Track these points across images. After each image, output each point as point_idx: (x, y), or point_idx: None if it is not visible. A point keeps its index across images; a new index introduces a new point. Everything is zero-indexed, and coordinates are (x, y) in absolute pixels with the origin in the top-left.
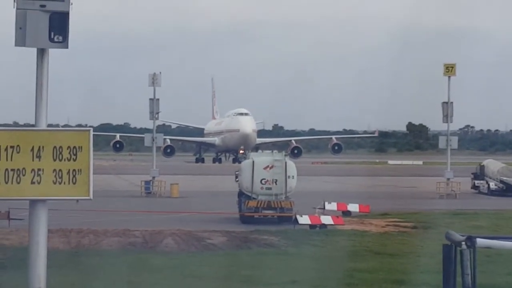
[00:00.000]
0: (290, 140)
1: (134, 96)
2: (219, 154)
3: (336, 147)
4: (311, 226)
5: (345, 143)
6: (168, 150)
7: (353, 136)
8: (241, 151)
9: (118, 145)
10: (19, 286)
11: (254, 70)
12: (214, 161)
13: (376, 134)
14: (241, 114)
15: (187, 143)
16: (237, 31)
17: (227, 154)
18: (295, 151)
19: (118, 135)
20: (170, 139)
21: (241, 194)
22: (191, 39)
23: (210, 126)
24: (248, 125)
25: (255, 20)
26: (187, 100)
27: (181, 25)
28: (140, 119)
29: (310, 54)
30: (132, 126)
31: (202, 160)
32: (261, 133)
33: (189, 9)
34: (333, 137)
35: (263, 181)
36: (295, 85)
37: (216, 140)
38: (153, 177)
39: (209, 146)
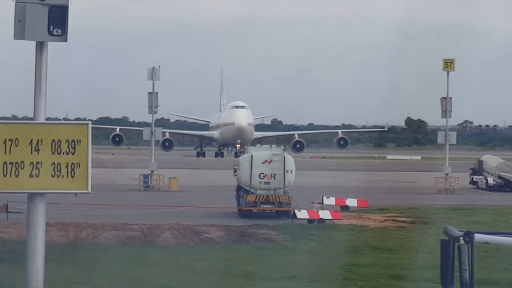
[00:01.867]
0: (293, 135)
1: (133, 90)
2: (221, 148)
3: (342, 142)
4: (309, 221)
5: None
6: (167, 144)
7: (362, 130)
8: (237, 145)
9: (117, 138)
10: (17, 279)
11: (253, 65)
12: (216, 155)
13: (385, 129)
14: (237, 107)
15: (187, 137)
16: (236, 27)
17: (230, 148)
18: (297, 146)
19: (118, 128)
20: (170, 133)
21: (239, 188)
22: (191, 34)
23: (213, 119)
24: (243, 118)
25: (253, 16)
26: (188, 94)
27: (181, 20)
28: (139, 113)
29: (308, 50)
30: (130, 120)
31: (203, 154)
32: (259, 127)
33: (189, 5)
34: (339, 131)
35: (261, 176)
36: (293, 80)
37: (215, 133)
38: (152, 171)
39: (210, 140)
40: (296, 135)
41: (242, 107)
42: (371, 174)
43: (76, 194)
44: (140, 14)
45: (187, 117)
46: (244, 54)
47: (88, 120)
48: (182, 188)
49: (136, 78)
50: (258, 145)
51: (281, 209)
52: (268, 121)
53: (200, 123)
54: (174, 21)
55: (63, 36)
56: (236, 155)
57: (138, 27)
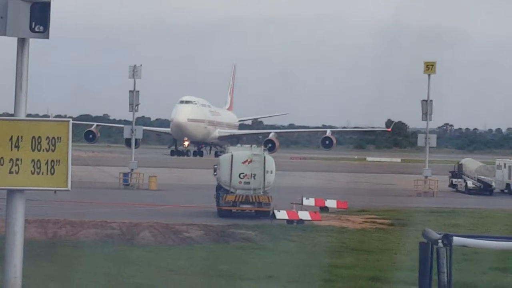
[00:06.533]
0: (269, 133)
1: (116, 88)
2: (200, 147)
3: (327, 142)
4: (289, 221)
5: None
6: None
7: (361, 130)
8: (184, 143)
9: (91, 135)
10: None
11: (237, 65)
12: (195, 154)
13: (389, 129)
14: (182, 102)
15: (164, 135)
16: (217, 27)
17: (211, 148)
18: (269, 145)
19: (95, 124)
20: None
21: (219, 188)
22: (172, 34)
23: None
24: (182, 114)
25: (237, 17)
26: (176, 94)
27: (167, 20)
28: (120, 111)
29: (290, 51)
30: (111, 117)
31: (178, 153)
32: (241, 126)
33: (171, 5)
34: (328, 130)
35: (241, 175)
36: (274, 81)
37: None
38: (132, 169)
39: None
40: (273, 134)
41: (187, 102)
42: (351, 175)
43: (55, 191)
44: (124, 13)
45: None
46: (225, 55)
47: (69, 117)
48: (162, 186)
49: (118, 76)
50: (239, 145)
51: (261, 209)
52: (248, 121)
53: None
54: (160, 20)
55: (45, 33)
56: (216, 155)
57: (122, 26)
